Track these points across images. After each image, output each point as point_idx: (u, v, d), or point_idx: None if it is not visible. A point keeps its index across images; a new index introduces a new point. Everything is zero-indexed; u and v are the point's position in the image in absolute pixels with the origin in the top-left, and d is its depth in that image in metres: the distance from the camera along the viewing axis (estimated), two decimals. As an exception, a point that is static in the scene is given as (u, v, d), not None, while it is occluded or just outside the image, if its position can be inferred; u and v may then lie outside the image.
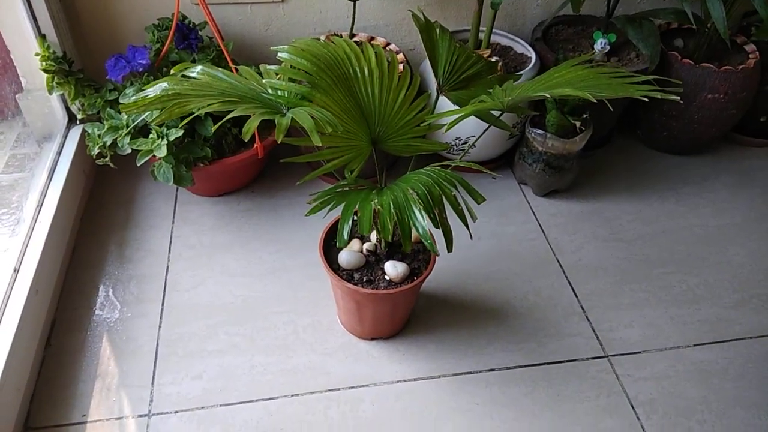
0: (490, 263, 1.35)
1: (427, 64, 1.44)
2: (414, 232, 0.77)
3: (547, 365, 1.16)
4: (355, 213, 0.87)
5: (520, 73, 1.38)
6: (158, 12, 1.41)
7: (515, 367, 1.15)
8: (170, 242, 1.36)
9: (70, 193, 1.36)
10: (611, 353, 1.19)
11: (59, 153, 1.39)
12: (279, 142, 0.73)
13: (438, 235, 0.82)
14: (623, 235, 1.44)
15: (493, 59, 1.38)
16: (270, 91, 0.92)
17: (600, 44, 1.47)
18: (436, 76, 1.05)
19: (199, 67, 0.91)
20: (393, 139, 1.01)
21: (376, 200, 0.75)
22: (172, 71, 0.92)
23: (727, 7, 1.37)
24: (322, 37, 1.46)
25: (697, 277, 1.35)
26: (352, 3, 1.36)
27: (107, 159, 1.29)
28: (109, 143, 1.26)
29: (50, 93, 1.28)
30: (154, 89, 0.84)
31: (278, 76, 0.92)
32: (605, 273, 1.34)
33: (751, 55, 1.51)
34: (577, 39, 1.56)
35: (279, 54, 0.93)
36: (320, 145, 0.75)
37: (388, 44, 1.46)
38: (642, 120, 1.64)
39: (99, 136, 1.27)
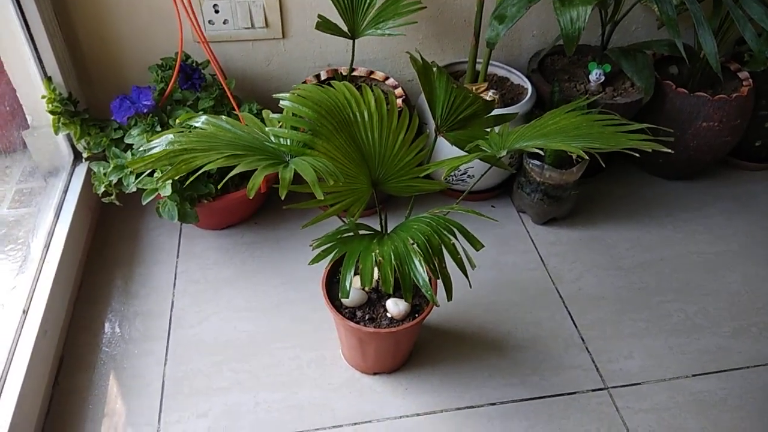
0: (491, 293, 1.37)
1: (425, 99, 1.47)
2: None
3: (548, 398, 1.17)
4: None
5: (515, 111, 1.39)
6: (161, 52, 1.44)
7: (516, 401, 1.16)
8: (175, 277, 1.38)
9: (76, 230, 1.38)
10: (611, 385, 1.20)
11: (65, 191, 1.41)
12: (283, 198, 0.75)
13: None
14: (622, 263, 1.46)
15: (490, 93, 1.41)
16: (273, 138, 0.94)
17: (595, 75, 1.49)
18: (434, 118, 1.08)
19: (203, 117, 0.94)
20: (393, 181, 1.03)
21: (377, 250, 0.78)
22: (177, 121, 0.94)
23: (720, 35, 1.40)
24: (323, 72, 1.49)
25: (696, 305, 1.36)
26: (351, 40, 1.38)
27: (113, 197, 1.32)
28: (114, 182, 1.29)
29: (56, 133, 1.31)
30: (160, 142, 0.86)
31: (280, 124, 0.95)
32: (605, 302, 1.36)
33: (744, 83, 1.53)
34: (573, 69, 1.59)
35: (281, 102, 0.95)
36: (322, 197, 0.77)
37: (387, 78, 1.49)
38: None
39: (105, 174, 1.29)
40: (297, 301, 1.33)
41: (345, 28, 1.31)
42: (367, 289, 1.10)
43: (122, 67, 1.48)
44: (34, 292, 1.23)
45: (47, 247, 1.31)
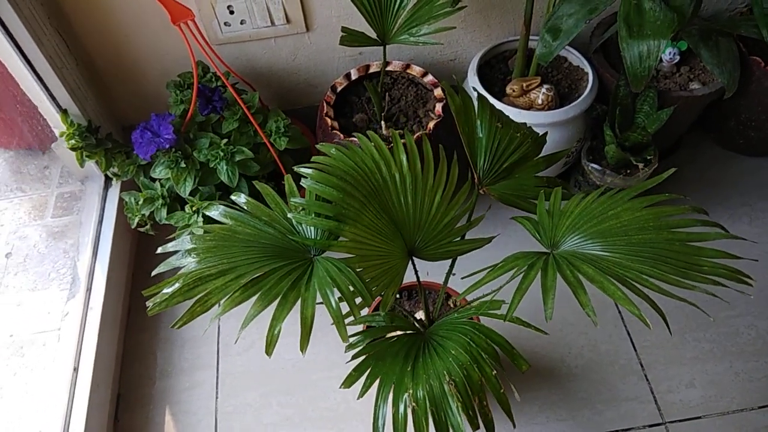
0: (541, 312, 1.29)
1: (473, 79, 1.31)
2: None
3: (601, 438, 1.14)
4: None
5: (572, 113, 1.22)
6: (179, 56, 1.33)
7: (567, 441, 1.14)
8: (218, 299, 1.37)
9: (119, 253, 1.38)
10: (669, 419, 1.15)
11: (100, 221, 1.39)
12: (304, 352, 0.69)
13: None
14: (688, 266, 1.34)
15: (544, 90, 1.24)
16: (295, 223, 0.87)
17: (668, 54, 1.28)
18: (474, 169, 0.96)
19: (221, 208, 0.86)
20: (431, 247, 0.94)
21: (410, 391, 0.72)
22: (193, 209, 0.87)
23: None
24: (353, 71, 1.34)
25: (769, 320, 1.25)
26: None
27: (147, 227, 1.29)
28: (147, 215, 1.25)
29: (81, 166, 1.26)
30: (177, 245, 0.81)
31: (302, 211, 0.86)
32: (668, 318, 1.27)
33: None
34: (642, 39, 1.37)
35: (302, 181, 0.86)
36: (347, 341, 0.71)
37: (425, 74, 1.33)
38: (717, 125, 1.47)
39: (137, 205, 1.26)
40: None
41: (374, 35, 1.15)
42: None
43: (141, 76, 1.38)
44: (85, 321, 1.27)
45: (91, 273, 1.32)
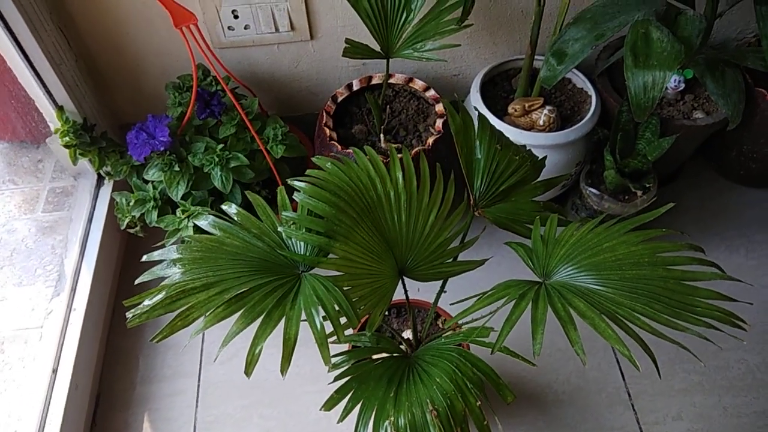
0: (530, 340, 1.28)
1: (476, 97, 1.30)
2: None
3: (585, 468, 1.12)
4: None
5: (573, 136, 1.21)
6: (180, 56, 1.32)
7: (550, 470, 1.12)
8: (205, 304, 1.35)
9: (106, 253, 1.36)
10: (655, 453, 1.13)
11: (90, 220, 1.37)
12: (284, 374, 0.67)
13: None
14: (682, 297, 1.32)
15: (546, 111, 1.22)
16: (285, 237, 0.85)
17: (674, 82, 1.27)
18: (470, 190, 0.94)
19: (210, 218, 0.85)
20: (423, 267, 0.92)
21: (392, 417, 0.70)
22: (183, 215, 0.86)
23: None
24: (355, 82, 1.33)
25: (759, 355, 1.24)
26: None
27: (137, 229, 1.27)
28: (137, 216, 1.23)
29: (74, 164, 1.24)
30: (162, 254, 0.80)
31: (293, 225, 0.84)
32: (658, 349, 1.25)
33: None
34: (647, 66, 1.36)
35: (295, 195, 0.84)
36: (330, 364, 0.69)
37: (428, 89, 1.31)
38: (719, 155, 1.46)
39: (127, 205, 1.24)
40: (328, 335, 1.29)
41: (377, 47, 1.14)
42: None
43: (140, 75, 1.37)
44: (68, 321, 1.25)
45: (77, 272, 1.30)
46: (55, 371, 1.14)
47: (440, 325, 1.14)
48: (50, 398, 1.13)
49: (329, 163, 0.89)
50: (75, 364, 1.16)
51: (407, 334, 1.10)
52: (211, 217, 0.84)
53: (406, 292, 0.96)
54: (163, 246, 0.83)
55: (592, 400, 1.19)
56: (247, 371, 0.68)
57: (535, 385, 1.21)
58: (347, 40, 1.09)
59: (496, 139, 0.96)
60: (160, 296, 0.72)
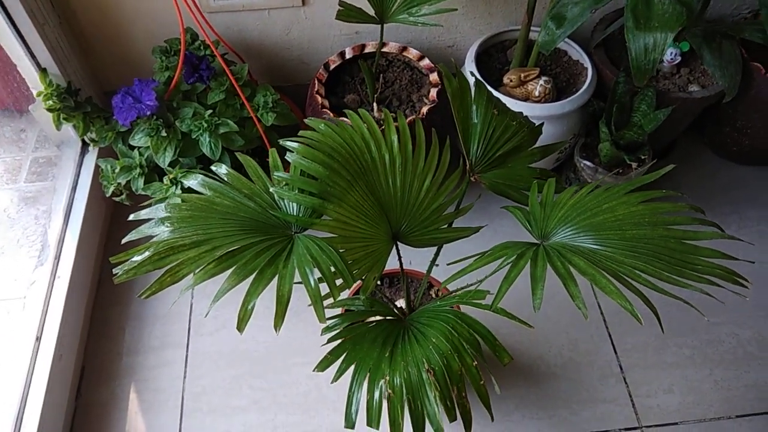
0: (525, 307, 1.27)
1: (471, 65, 1.28)
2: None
3: (576, 438, 1.12)
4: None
5: (568, 108, 1.20)
6: (167, 17, 1.28)
7: (542, 441, 1.12)
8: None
9: (91, 223, 1.33)
10: (646, 424, 1.13)
11: (74, 188, 1.33)
12: (278, 330, 0.65)
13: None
14: (674, 271, 1.32)
15: (542, 82, 1.21)
16: (277, 198, 0.83)
17: (669, 54, 1.26)
18: (466, 155, 0.92)
19: (199, 177, 0.82)
20: (417, 233, 0.90)
21: (387, 377, 0.69)
22: (171, 177, 0.83)
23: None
24: (348, 50, 1.30)
25: (751, 330, 1.24)
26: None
27: (123, 197, 1.24)
28: (123, 184, 1.20)
29: (58, 129, 1.21)
30: (150, 213, 0.78)
31: (285, 186, 0.82)
32: (650, 322, 1.25)
33: None
34: (644, 38, 1.34)
35: (288, 155, 0.82)
36: (324, 322, 0.67)
37: (422, 57, 1.29)
38: (712, 131, 1.45)
39: (113, 173, 1.20)
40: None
41: (372, 12, 1.11)
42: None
43: (126, 38, 1.33)
44: (52, 291, 1.21)
45: (61, 241, 1.27)
46: (38, 339, 1.11)
47: (433, 295, 1.12)
48: (33, 368, 1.10)
49: (323, 125, 0.87)
50: (59, 334, 1.13)
51: (400, 303, 1.09)
52: (201, 176, 0.82)
53: (399, 258, 0.94)
54: (150, 205, 0.81)
55: (584, 373, 1.19)
56: (240, 327, 0.66)
57: (527, 357, 1.21)
58: (341, 3, 1.06)
59: (493, 104, 0.94)
60: (148, 253, 0.70)
